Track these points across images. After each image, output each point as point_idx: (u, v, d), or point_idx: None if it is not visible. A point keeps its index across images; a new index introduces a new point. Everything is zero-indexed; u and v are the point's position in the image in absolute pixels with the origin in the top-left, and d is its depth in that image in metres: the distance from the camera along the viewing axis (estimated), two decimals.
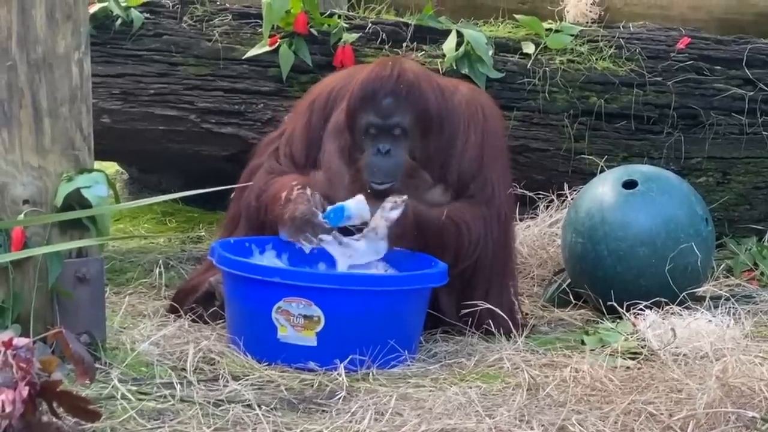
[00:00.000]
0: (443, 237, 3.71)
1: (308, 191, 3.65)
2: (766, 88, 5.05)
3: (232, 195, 3.97)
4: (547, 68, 4.97)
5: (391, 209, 3.60)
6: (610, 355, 3.57)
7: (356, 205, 3.60)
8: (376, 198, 3.68)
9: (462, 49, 4.90)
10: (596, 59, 5.05)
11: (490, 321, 3.76)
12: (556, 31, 5.13)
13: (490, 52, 4.92)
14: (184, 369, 3.28)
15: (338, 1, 5.83)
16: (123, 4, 4.96)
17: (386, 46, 4.97)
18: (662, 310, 3.90)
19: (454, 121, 3.85)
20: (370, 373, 3.36)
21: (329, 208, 3.61)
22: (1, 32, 3.07)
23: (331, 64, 4.84)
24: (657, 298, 3.96)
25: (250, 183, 3.81)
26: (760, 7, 6.13)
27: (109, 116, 4.85)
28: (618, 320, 3.94)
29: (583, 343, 3.80)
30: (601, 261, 4.18)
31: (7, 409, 2.42)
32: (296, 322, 3.39)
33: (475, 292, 3.80)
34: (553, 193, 4.83)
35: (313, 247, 3.63)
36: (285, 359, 3.41)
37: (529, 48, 5.03)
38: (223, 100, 4.91)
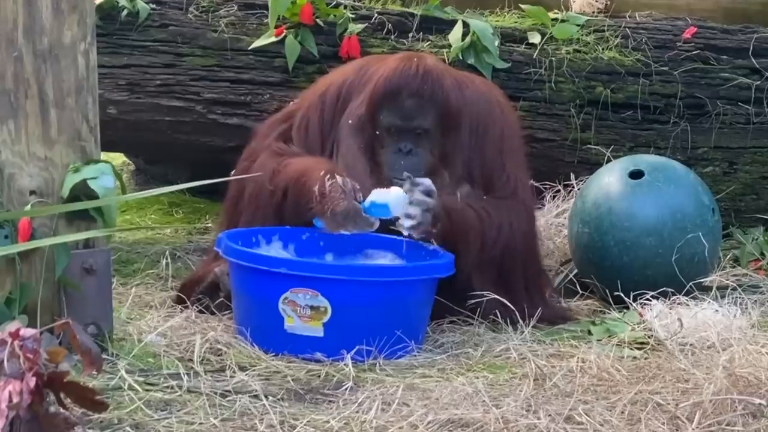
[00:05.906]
0: (466, 222, 3.70)
1: (340, 180, 3.58)
2: None
3: (232, 173, 3.95)
4: (553, 58, 4.96)
5: (421, 191, 3.58)
6: (616, 345, 3.58)
7: (396, 199, 3.56)
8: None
9: (468, 39, 4.89)
10: (602, 49, 5.04)
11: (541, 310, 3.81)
12: (563, 21, 5.12)
13: (496, 43, 4.91)
14: (191, 360, 3.28)
15: None
16: None
17: (392, 37, 4.97)
18: (669, 300, 3.90)
19: (472, 116, 3.84)
20: (377, 364, 3.36)
21: (368, 200, 3.56)
22: (8, 23, 3.07)
23: (337, 54, 4.84)
24: (664, 288, 3.96)
25: (259, 173, 3.78)
26: None
27: (115, 107, 4.85)
28: (625, 310, 3.93)
29: (589, 333, 3.80)
30: (608, 251, 4.18)
31: (15, 400, 2.42)
32: (303, 312, 3.39)
33: (511, 284, 3.83)
34: (560, 184, 4.82)
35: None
36: (292, 350, 3.41)
37: (535, 38, 5.02)
38: (230, 91, 4.91)
